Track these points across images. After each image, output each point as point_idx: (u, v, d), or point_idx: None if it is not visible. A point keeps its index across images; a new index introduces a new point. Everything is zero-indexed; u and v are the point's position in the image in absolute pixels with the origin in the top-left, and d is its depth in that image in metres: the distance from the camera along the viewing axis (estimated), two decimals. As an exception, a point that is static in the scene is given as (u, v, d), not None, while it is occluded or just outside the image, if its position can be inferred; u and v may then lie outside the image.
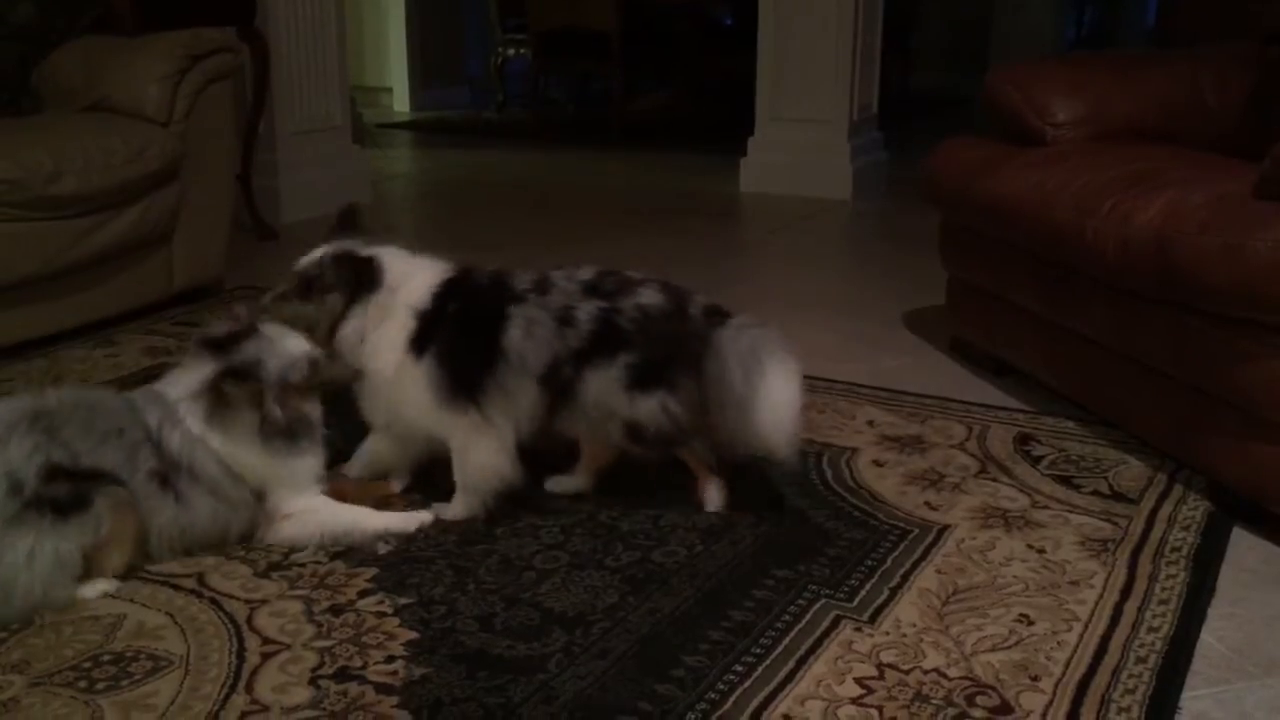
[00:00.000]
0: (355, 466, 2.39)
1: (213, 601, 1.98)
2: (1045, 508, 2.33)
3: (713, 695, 1.73)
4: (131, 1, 3.92)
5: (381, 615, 1.94)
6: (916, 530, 2.23)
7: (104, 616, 1.93)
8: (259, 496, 2.13)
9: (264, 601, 1.98)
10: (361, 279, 2.24)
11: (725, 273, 4.26)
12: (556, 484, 2.38)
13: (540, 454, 2.33)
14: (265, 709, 1.69)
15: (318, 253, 2.29)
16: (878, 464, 2.54)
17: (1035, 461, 2.54)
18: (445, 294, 2.26)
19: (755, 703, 1.71)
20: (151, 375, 3.03)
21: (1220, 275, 2.19)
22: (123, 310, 3.44)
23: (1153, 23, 8.92)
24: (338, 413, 2.29)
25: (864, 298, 3.88)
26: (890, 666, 1.80)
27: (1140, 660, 1.82)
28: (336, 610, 1.95)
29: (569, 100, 8.98)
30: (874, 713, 1.69)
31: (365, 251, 2.28)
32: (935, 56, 9.11)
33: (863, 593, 2.01)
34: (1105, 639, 1.88)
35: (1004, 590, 2.02)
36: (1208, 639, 1.89)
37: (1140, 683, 1.76)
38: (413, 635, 1.88)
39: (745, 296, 3.94)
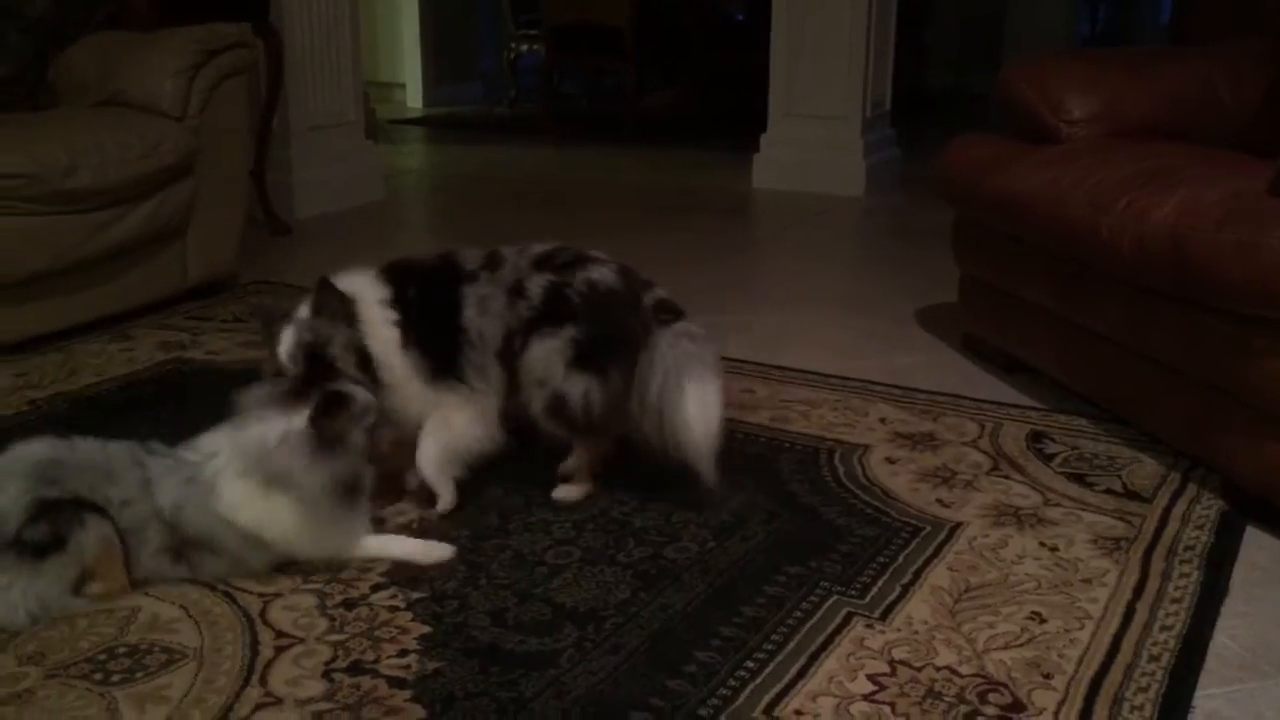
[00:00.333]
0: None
1: (226, 595, 1.99)
2: (1058, 505, 2.33)
3: (724, 691, 1.73)
4: (147, -4, 3.94)
5: (394, 610, 1.95)
6: (928, 527, 2.23)
7: (118, 610, 1.94)
8: (288, 557, 2.05)
9: (277, 595, 1.99)
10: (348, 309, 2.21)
11: (737, 269, 4.26)
12: (564, 493, 2.37)
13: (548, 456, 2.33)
14: (279, 702, 1.70)
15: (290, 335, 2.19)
16: (890, 461, 2.54)
17: (1048, 459, 2.54)
18: (396, 282, 2.26)
19: (767, 699, 1.71)
20: (165, 369, 3.05)
21: (1235, 272, 2.18)
22: (137, 304, 3.45)
23: (1167, 19, 8.87)
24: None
25: (876, 295, 3.87)
26: (902, 663, 1.80)
27: (1153, 659, 1.82)
28: (349, 604, 1.96)
29: (581, 96, 8.98)
30: (886, 709, 1.69)
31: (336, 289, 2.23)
32: (948, 53, 9.07)
33: (875, 590, 2.01)
34: (1118, 637, 1.87)
35: (1016, 588, 2.02)
36: (1221, 638, 1.89)
37: (1153, 681, 1.76)
38: (425, 630, 1.88)
39: (757, 293, 3.95)
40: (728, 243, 4.66)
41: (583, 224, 4.83)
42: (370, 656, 1.81)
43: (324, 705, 1.69)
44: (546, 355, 2.21)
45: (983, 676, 1.77)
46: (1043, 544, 2.17)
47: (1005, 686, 1.74)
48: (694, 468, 2.20)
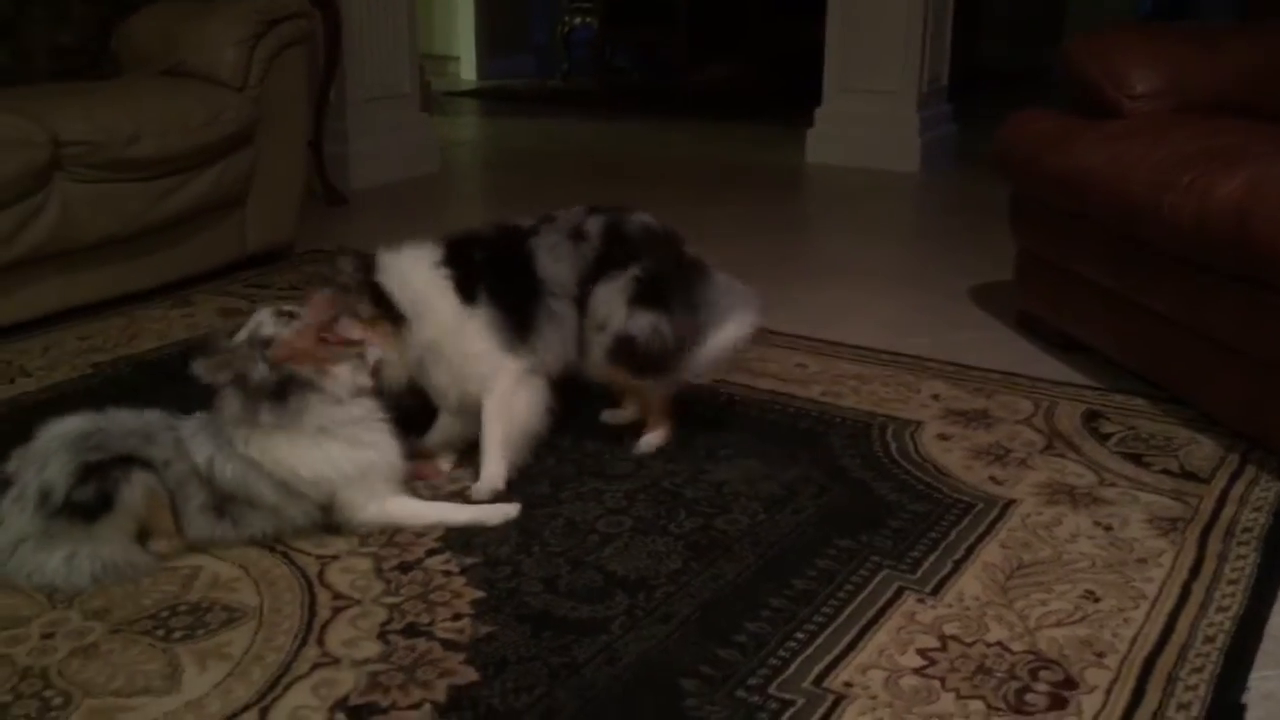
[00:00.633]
0: (431, 443, 2.39)
1: (285, 556, 2.03)
2: (1113, 485, 2.31)
3: (774, 661, 1.74)
4: (208, -34, 3.97)
5: (448, 574, 1.97)
6: (981, 504, 2.22)
7: (181, 568, 1.99)
8: (325, 509, 2.07)
9: (334, 558, 2.02)
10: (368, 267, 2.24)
11: (790, 244, 4.25)
12: (646, 443, 2.43)
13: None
14: (336, 661, 1.73)
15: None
16: (942, 437, 2.52)
17: (1104, 438, 2.52)
18: (461, 250, 2.28)
19: (817, 670, 1.72)
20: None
21: (1301, 252, 2.14)
22: (198, 271, 3.51)
23: (1235, -6, 8.68)
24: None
25: (930, 271, 3.84)
26: (953, 639, 1.80)
27: (1208, 640, 1.80)
28: (405, 568, 1.99)
29: (634, 69, 8.95)
30: (936, 684, 1.69)
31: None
32: (1005, 28, 8.94)
33: (926, 565, 2.01)
34: (1173, 617, 1.86)
35: (1070, 566, 2.01)
36: (1277, 620, 1.87)
37: (1208, 662, 1.75)
38: (479, 594, 1.91)
39: (809, 268, 3.93)
40: (781, 217, 4.64)
41: (635, 197, 4.79)
42: (425, 619, 1.84)
43: (380, 666, 1.72)
44: (609, 296, 2.26)
45: (1034, 653, 1.76)
46: (1097, 523, 2.15)
47: (1057, 664, 1.74)
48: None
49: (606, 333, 2.27)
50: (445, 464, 2.37)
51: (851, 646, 1.78)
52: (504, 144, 6.55)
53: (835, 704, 1.65)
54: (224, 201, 3.50)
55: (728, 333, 2.33)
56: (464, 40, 8.77)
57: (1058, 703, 1.65)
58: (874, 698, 1.66)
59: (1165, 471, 2.36)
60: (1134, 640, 1.80)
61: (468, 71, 8.74)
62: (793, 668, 1.73)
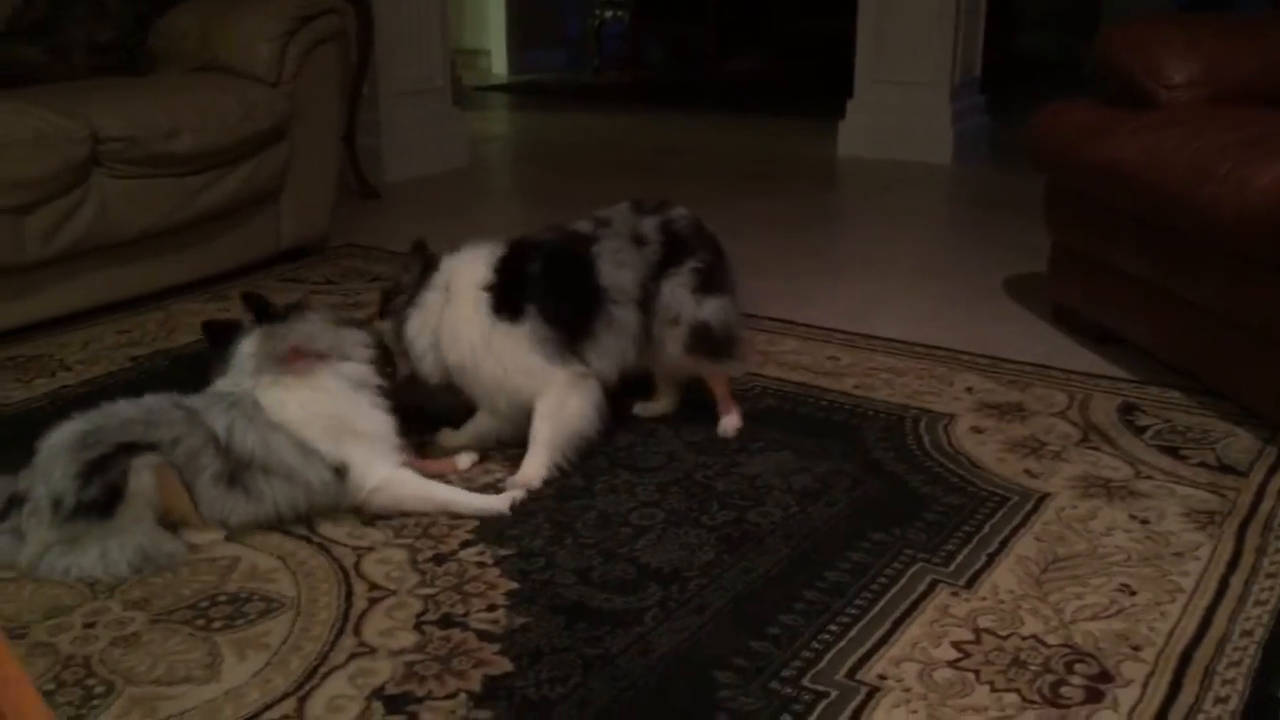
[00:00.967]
0: (461, 437, 2.42)
1: (321, 547, 2.05)
2: (1149, 478, 2.29)
3: (807, 654, 1.74)
4: (242, -37, 4.00)
5: (482, 565, 1.99)
6: (1015, 497, 2.21)
7: (219, 559, 2.01)
8: (339, 473, 2.10)
9: (370, 549, 2.04)
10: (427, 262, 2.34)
11: (822, 237, 4.24)
12: (726, 425, 2.48)
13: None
14: (373, 651, 1.75)
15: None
16: (976, 430, 2.51)
17: (1140, 431, 2.50)
18: (513, 261, 2.30)
19: (850, 662, 1.72)
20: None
21: (1342, 243, 2.12)
22: (233, 266, 3.54)
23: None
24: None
25: (963, 263, 3.82)
26: (987, 632, 1.80)
27: (1246, 634, 1.79)
28: (439, 559, 2.01)
29: (665, 63, 8.94)
30: (970, 676, 1.69)
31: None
32: (1041, 18, 8.86)
33: (960, 558, 2.00)
34: (1210, 611, 1.85)
35: (1105, 560, 2.00)
36: (1317, 615, 1.85)
37: (1245, 656, 1.73)
38: (513, 585, 1.92)
39: (842, 260, 3.92)
40: (813, 210, 4.63)
41: (667, 191, 4.79)
42: (460, 610, 1.85)
43: (416, 656, 1.74)
44: (674, 291, 2.34)
45: (1069, 647, 1.76)
46: (1133, 516, 2.14)
47: (1092, 657, 1.73)
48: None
49: (681, 325, 2.35)
50: (465, 460, 2.36)
51: (885, 639, 1.78)
52: (535, 138, 6.57)
53: (869, 696, 1.65)
54: (259, 196, 3.53)
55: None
56: (495, 34, 8.79)
57: (1093, 696, 1.65)
58: (908, 690, 1.66)
59: (1202, 465, 2.34)
60: (1170, 634, 1.79)
61: (499, 66, 8.76)
62: (826, 660, 1.73)
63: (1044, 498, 2.21)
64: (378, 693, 1.65)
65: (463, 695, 1.65)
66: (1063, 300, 3.17)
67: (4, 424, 2.54)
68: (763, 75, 8.04)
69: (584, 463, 2.35)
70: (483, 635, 1.79)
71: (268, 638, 1.79)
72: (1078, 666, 1.71)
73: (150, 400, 2.11)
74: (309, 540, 2.07)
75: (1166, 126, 2.70)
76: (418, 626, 1.81)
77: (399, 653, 1.75)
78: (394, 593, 1.91)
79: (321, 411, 2.10)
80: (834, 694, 1.65)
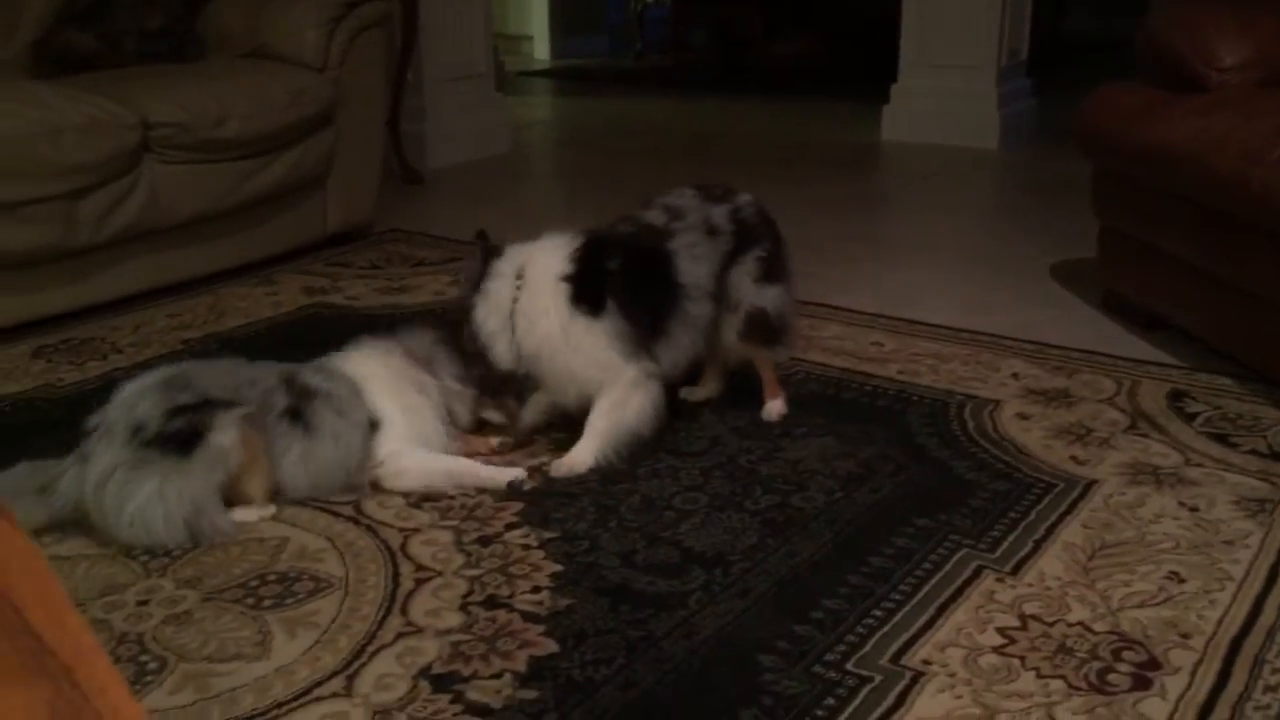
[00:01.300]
0: (531, 412, 2.41)
1: (369, 529, 2.07)
2: (1199, 465, 2.26)
3: (851, 638, 1.74)
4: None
5: (527, 548, 2.00)
6: (1062, 484, 2.20)
7: (268, 539, 2.04)
8: (374, 425, 2.19)
9: (416, 530, 2.07)
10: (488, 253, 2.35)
11: (866, 221, 4.21)
12: (770, 410, 2.49)
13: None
14: (420, 631, 1.77)
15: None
16: (1022, 417, 2.50)
17: (1189, 418, 2.47)
18: (592, 255, 2.29)
19: (894, 647, 1.72)
20: (308, 313, 3.16)
21: (1399, 227, 2.08)
22: (280, 250, 3.58)
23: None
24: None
25: (1009, 249, 3.79)
26: (1033, 618, 1.79)
27: (1297, 623, 1.77)
28: (484, 541, 2.02)
29: (708, 47, 8.91)
30: (1016, 662, 1.69)
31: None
32: None
33: (1005, 544, 1.99)
34: (1260, 599, 1.83)
35: (1153, 547, 1.98)
36: (1370, 604, 1.83)
37: (1296, 645, 1.72)
38: (557, 568, 1.94)
39: (886, 245, 3.90)
40: (857, 194, 4.60)
41: (710, 176, 4.80)
42: (505, 591, 1.87)
43: (462, 636, 1.76)
44: (739, 279, 2.37)
45: (1117, 634, 1.74)
46: (1182, 504, 2.12)
47: (1140, 645, 1.72)
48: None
49: (740, 311, 2.38)
50: (495, 442, 2.38)
51: (930, 624, 1.78)
52: (577, 124, 6.57)
53: (913, 681, 1.65)
54: (305, 181, 3.56)
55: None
56: (538, 20, 8.80)
57: (1141, 683, 1.64)
58: (952, 675, 1.66)
59: (1253, 452, 2.31)
60: (1220, 622, 1.77)
61: (541, 51, 8.77)
62: (870, 645, 1.73)
63: (1091, 484, 2.20)
64: (424, 672, 1.68)
65: (508, 675, 1.66)
66: (1111, 286, 3.14)
67: (57, 405, 2.59)
68: (806, 58, 7.99)
69: (627, 447, 2.35)
70: (528, 616, 1.80)
71: (317, 616, 1.82)
72: (1125, 654, 1.70)
73: (225, 359, 2.24)
74: (356, 522, 2.10)
75: (1216, 110, 2.66)
76: (463, 607, 1.83)
77: (445, 633, 1.77)
78: (440, 574, 1.93)
79: (389, 380, 2.23)
80: (878, 679, 1.65)
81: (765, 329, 2.40)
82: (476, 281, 2.33)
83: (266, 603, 1.86)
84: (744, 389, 2.54)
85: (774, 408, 2.49)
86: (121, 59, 3.53)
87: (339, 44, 3.59)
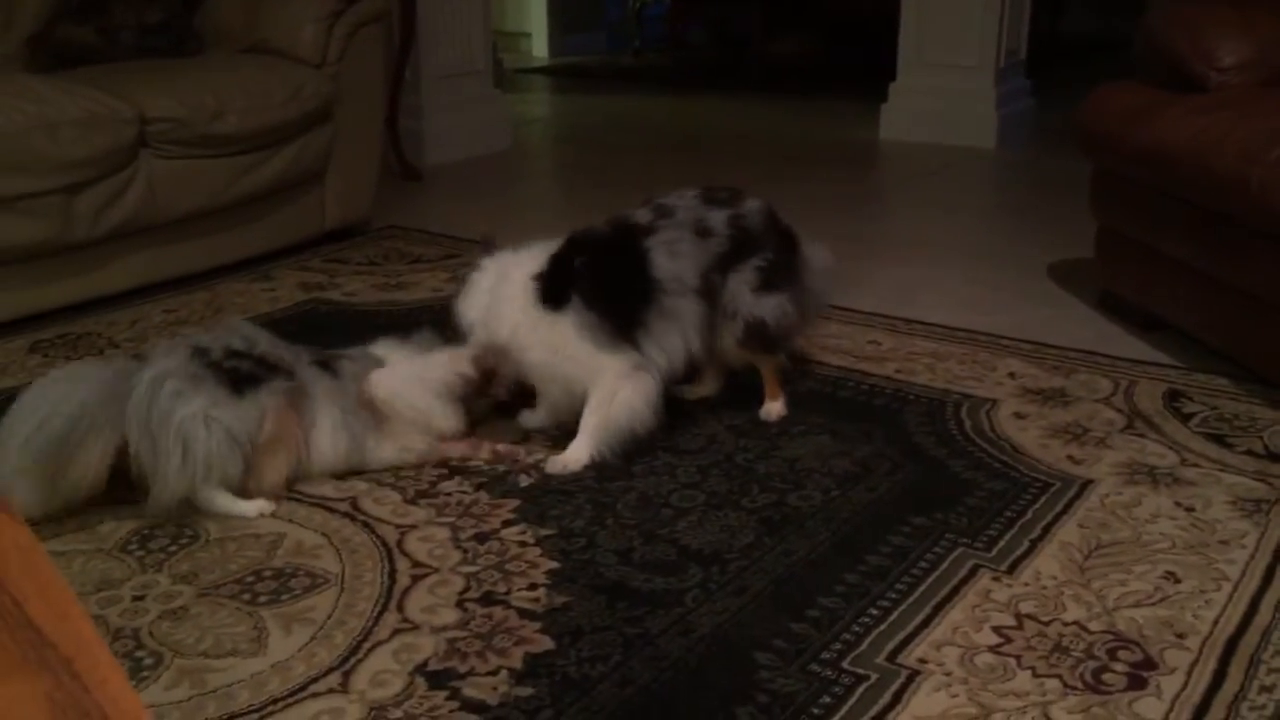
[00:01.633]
0: (535, 418, 2.45)
1: (365, 525, 2.07)
2: (1195, 466, 2.27)
3: (848, 636, 1.74)
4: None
5: (524, 545, 2.00)
6: (1058, 484, 2.20)
7: (265, 535, 2.04)
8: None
9: (413, 527, 2.06)
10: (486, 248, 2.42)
11: (864, 220, 4.21)
12: (770, 410, 2.49)
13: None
14: (416, 627, 1.77)
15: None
16: (1019, 416, 2.50)
17: (1186, 419, 2.47)
18: (564, 255, 2.32)
19: (890, 645, 1.72)
20: (305, 309, 3.16)
21: (1397, 229, 2.08)
22: (278, 246, 3.57)
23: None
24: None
25: (1007, 248, 3.79)
26: (1029, 617, 1.79)
27: (1293, 623, 1.77)
28: (481, 538, 2.02)
29: (706, 45, 8.90)
30: (1012, 661, 1.69)
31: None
32: None
33: (1002, 543, 2.00)
34: (1256, 599, 1.83)
35: (1149, 547, 1.98)
36: (1366, 605, 1.83)
37: (1292, 645, 1.72)
38: (554, 565, 1.94)
39: (883, 244, 3.90)
40: (854, 193, 4.60)
41: (708, 174, 4.82)
42: (501, 588, 1.87)
43: (458, 633, 1.76)
44: (737, 286, 2.37)
45: (1113, 633, 1.75)
46: (1178, 504, 2.12)
47: (1136, 644, 1.72)
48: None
49: (738, 320, 2.37)
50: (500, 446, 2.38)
51: (926, 623, 1.78)
52: (576, 121, 6.56)
53: (909, 680, 1.65)
54: (304, 177, 3.56)
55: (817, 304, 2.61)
56: (536, 17, 8.79)
57: (1136, 683, 1.64)
58: (948, 674, 1.66)
59: (1249, 453, 2.32)
60: (1216, 622, 1.77)
61: (540, 48, 8.75)
62: (866, 643, 1.73)
63: (1087, 484, 2.20)
64: (420, 668, 1.67)
65: (504, 672, 1.66)
66: (1109, 286, 3.14)
67: (55, 400, 2.59)
68: (805, 57, 7.98)
69: (621, 441, 2.35)
70: (524, 613, 1.80)
71: (313, 613, 1.82)
72: (1121, 653, 1.70)
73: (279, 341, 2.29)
74: (352, 518, 2.10)
75: (1216, 110, 2.66)
76: (460, 604, 1.83)
77: (441, 629, 1.77)
78: (436, 570, 1.93)
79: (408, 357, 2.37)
80: (874, 677, 1.65)
81: (763, 338, 2.41)
82: (465, 274, 2.42)
83: (262, 598, 1.85)
84: (741, 388, 2.54)
85: (773, 409, 2.49)
86: (119, 53, 3.52)
87: (337, 40, 3.59)
